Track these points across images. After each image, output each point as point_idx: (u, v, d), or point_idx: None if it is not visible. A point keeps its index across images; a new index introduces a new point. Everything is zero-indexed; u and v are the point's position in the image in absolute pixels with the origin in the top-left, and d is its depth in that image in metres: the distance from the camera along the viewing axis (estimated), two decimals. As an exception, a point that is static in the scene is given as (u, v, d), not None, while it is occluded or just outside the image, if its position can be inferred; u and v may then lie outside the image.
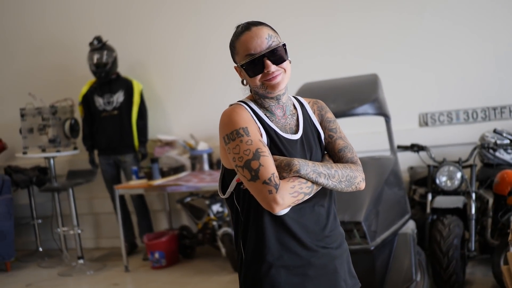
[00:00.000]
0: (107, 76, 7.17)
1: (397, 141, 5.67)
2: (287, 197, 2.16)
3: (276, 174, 2.17)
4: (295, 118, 2.41)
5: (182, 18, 7.45)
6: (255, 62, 2.26)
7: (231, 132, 2.22)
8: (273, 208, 2.16)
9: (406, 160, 6.32)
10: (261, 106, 2.35)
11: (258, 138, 2.22)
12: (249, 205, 2.30)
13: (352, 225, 4.40)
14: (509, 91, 6.38)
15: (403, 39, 6.68)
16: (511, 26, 6.36)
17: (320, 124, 2.46)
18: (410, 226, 4.85)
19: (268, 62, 2.25)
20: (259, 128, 2.28)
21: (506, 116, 6.39)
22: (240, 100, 2.39)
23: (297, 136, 2.35)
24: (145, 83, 7.49)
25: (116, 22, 7.70)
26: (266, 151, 2.19)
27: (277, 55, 2.27)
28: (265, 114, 2.33)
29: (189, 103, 7.53)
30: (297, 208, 2.27)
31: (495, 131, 5.28)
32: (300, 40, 6.85)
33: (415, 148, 5.73)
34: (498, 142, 5.47)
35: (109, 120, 7.23)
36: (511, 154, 5.80)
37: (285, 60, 2.30)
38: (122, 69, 7.40)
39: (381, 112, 5.13)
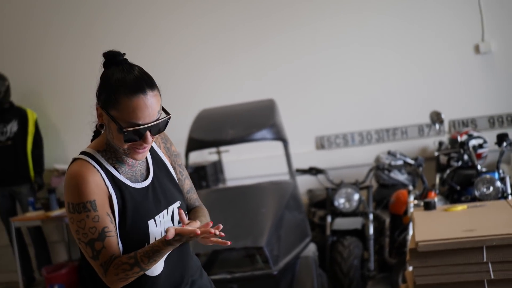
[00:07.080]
0: (0, 106, 6.96)
1: (295, 165, 5.75)
2: (116, 283, 2.10)
3: (116, 255, 2.09)
4: (145, 162, 2.29)
5: (77, 44, 7.31)
6: (137, 131, 2.07)
7: (77, 203, 2.07)
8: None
9: (305, 183, 6.41)
10: (110, 157, 2.20)
11: (106, 212, 2.10)
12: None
13: (254, 251, 4.43)
14: (400, 113, 6.58)
15: (297, 64, 6.77)
16: (400, 52, 6.57)
17: (169, 157, 2.38)
18: (312, 249, 4.93)
19: (149, 136, 2.09)
20: (107, 187, 2.13)
21: (398, 137, 6.60)
22: (86, 151, 2.26)
23: (146, 183, 2.24)
24: (40, 112, 7.31)
25: (8, 50, 7.50)
26: (112, 229, 2.10)
27: (158, 129, 2.14)
28: (113, 166, 2.19)
29: (86, 131, 7.36)
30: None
31: (389, 152, 5.43)
32: (196, 66, 6.83)
33: (313, 171, 5.83)
34: (392, 163, 5.64)
35: (2, 150, 7.00)
36: (404, 175, 5.99)
37: (161, 132, 2.18)
38: (16, 98, 7.18)
39: (279, 136, 5.22)
